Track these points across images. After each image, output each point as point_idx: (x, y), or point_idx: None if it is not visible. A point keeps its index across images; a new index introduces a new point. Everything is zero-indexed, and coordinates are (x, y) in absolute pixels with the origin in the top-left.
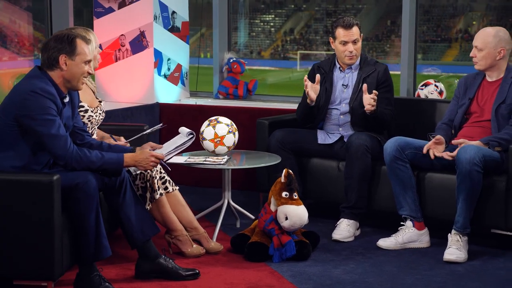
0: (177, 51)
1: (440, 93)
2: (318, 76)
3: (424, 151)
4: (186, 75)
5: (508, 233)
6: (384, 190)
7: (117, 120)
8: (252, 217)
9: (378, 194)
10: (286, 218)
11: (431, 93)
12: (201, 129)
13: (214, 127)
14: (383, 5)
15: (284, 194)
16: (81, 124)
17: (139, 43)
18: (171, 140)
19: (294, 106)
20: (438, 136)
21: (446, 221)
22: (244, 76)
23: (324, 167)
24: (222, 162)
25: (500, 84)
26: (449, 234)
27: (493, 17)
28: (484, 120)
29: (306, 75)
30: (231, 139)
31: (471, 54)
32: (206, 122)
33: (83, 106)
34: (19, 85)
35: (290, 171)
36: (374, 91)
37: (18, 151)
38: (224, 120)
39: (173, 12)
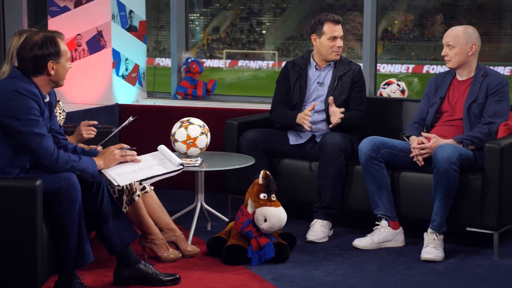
0: (135, 51)
1: (402, 91)
2: (313, 104)
3: (418, 161)
4: (144, 76)
5: (484, 231)
6: (356, 190)
7: (78, 122)
8: (226, 219)
9: (350, 194)
10: (265, 220)
11: (394, 92)
12: (173, 131)
13: (186, 128)
14: (307, 4)
15: (262, 195)
16: (57, 127)
17: (96, 43)
18: (149, 155)
19: (257, 106)
20: (420, 140)
21: (419, 220)
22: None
23: (296, 167)
24: (197, 164)
25: (470, 83)
26: (425, 233)
27: (414, 16)
28: (456, 119)
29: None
30: (204, 141)
31: (442, 53)
32: (178, 124)
33: None
34: (1, 85)
35: (268, 172)
36: (340, 109)
37: None
38: (196, 121)
39: (131, 11)
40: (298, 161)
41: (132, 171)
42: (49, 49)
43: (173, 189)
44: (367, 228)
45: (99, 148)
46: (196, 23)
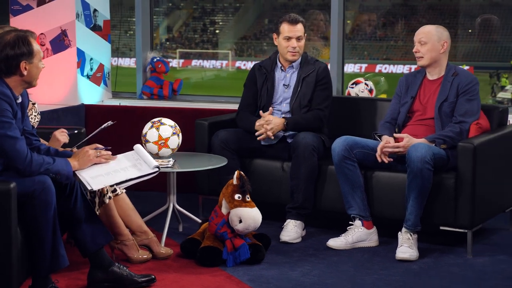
0: (100, 51)
1: (370, 91)
2: (270, 110)
3: (379, 159)
4: (108, 75)
5: (458, 229)
6: (329, 190)
7: (42, 123)
8: (199, 220)
9: (323, 194)
10: (240, 221)
11: (362, 92)
12: (144, 131)
13: (157, 129)
14: (259, 4)
15: (237, 196)
16: (30, 128)
17: (60, 42)
18: (124, 155)
19: (224, 106)
20: (388, 139)
21: (393, 220)
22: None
23: (268, 168)
24: (169, 165)
25: (441, 83)
26: (399, 233)
27: (366, 16)
28: (427, 118)
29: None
30: (175, 141)
31: (414, 50)
32: (149, 124)
33: None
34: None
35: (242, 173)
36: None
37: None
38: (168, 121)
39: (95, 10)
40: (270, 162)
41: (107, 173)
42: (22, 49)
43: (143, 190)
44: (340, 228)
45: (74, 149)
46: None
